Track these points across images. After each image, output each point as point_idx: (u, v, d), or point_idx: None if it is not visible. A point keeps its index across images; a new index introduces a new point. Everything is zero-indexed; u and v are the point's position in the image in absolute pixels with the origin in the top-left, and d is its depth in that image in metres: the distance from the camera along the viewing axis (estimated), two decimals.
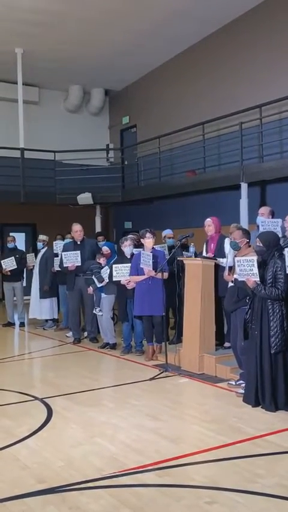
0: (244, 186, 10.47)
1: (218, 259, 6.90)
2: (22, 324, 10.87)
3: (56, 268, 9.70)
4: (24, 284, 11.30)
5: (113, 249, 8.62)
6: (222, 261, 6.83)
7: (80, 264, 8.68)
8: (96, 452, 4.34)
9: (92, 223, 14.47)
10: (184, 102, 13.68)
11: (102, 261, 8.41)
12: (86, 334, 9.25)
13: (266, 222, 6.86)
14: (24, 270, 11.06)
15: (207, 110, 12.40)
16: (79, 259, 8.67)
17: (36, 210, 14.77)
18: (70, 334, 9.38)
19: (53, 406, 5.54)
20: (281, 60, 11.06)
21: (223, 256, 6.91)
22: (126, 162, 15.72)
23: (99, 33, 12.58)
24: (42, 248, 10.44)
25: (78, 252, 8.72)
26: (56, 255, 9.95)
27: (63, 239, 10.87)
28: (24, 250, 11.82)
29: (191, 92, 13.49)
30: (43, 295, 10.25)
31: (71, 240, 9.47)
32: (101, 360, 7.93)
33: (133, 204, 14.81)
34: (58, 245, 10.06)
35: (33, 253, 11.06)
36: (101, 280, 8.11)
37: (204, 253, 7.06)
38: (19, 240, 12.46)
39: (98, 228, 14.49)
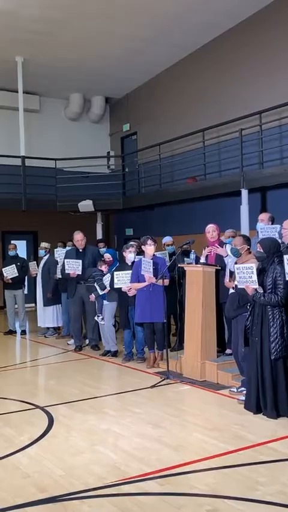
0: (244, 193, 10.48)
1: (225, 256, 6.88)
2: (23, 332, 10.86)
3: (58, 275, 9.70)
4: (26, 292, 11.31)
5: (115, 256, 8.62)
6: (228, 261, 6.79)
7: (80, 273, 8.68)
8: (98, 460, 4.33)
9: (93, 231, 14.50)
10: (184, 109, 13.72)
11: (104, 268, 8.42)
12: (87, 341, 9.24)
13: (265, 228, 6.88)
14: (26, 277, 11.06)
15: (207, 117, 12.44)
16: (80, 268, 8.68)
17: (37, 217, 14.81)
18: (71, 341, 9.37)
19: (54, 415, 5.53)
20: (281, 66, 11.10)
21: (223, 263, 6.92)
22: (127, 169, 15.76)
23: (99, 41, 12.65)
24: (45, 255, 10.44)
25: (80, 261, 8.74)
26: (58, 263, 9.95)
27: (64, 246, 10.89)
28: (25, 258, 11.82)
29: (190, 99, 13.54)
30: (47, 302, 10.25)
31: (73, 247, 9.48)
32: (102, 367, 7.92)
33: (134, 211, 14.84)
34: (59, 252, 10.07)
35: (35, 261, 11.07)
36: (103, 287, 8.12)
37: (202, 259, 7.05)
38: (20, 247, 12.48)
39: (99, 235, 14.51)
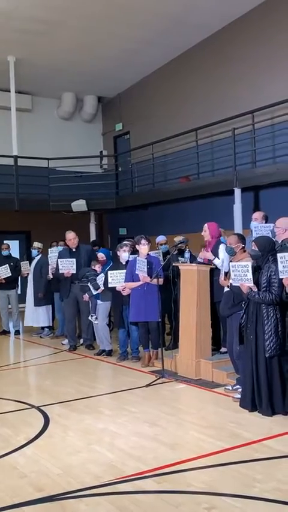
0: (237, 192, 10.52)
1: (214, 261, 6.90)
2: (17, 332, 10.84)
3: (51, 276, 9.68)
4: (19, 292, 11.29)
5: (109, 256, 8.62)
6: (217, 263, 6.83)
7: (75, 272, 8.67)
8: (94, 459, 4.34)
9: (87, 230, 14.49)
10: (177, 108, 13.74)
11: (97, 267, 8.42)
12: (81, 341, 9.23)
13: (258, 227, 6.91)
14: (19, 277, 11.04)
15: (200, 116, 12.46)
16: (74, 266, 8.68)
17: (30, 217, 14.77)
18: (66, 341, 9.36)
19: (50, 414, 5.53)
20: (274, 65, 11.14)
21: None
22: (120, 169, 15.76)
23: (91, 40, 12.64)
24: (37, 255, 10.42)
25: (74, 259, 8.73)
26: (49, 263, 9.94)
27: (58, 246, 10.88)
28: (18, 257, 11.80)
29: (183, 98, 13.56)
30: (38, 302, 10.22)
31: (65, 247, 9.47)
32: (97, 367, 7.92)
33: (127, 211, 14.84)
34: (53, 252, 10.06)
35: (27, 261, 11.04)
36: (96, 287, 8.12)
37: (199, 258, 7.08)
38: (13, 247, 12.45)
39: (93, 235, 14.51)
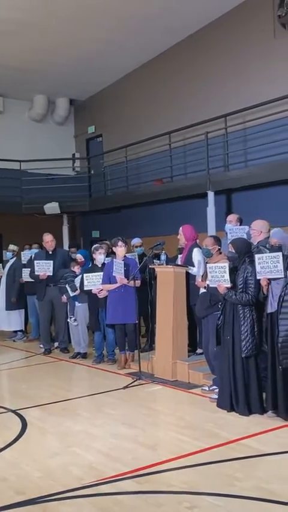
0: (211, 195, 10.62)
1: (189, 266, 6.97)
2: None
3: (25, 278, 9.60)
4: None
5: (87, 257, 8.57)
6: (192, 269, 6.91)
7: (51, 274, 8.63)
8: (74, 462, 4.33)
9: (59, 233, 14.37)
10: (150, 111, 13.79)
11: (76, 269, 8.39)
12: (56, 344, 9.18)
13: (233, 229, 6.99)
14: None
15: (173, 120, 12.54)
16: (51, 268, 8.63)
17: (2, 220, 14.57)
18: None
19: (27, 418, 5.49)
20: (245, 71, 11.30)
21: (191, 265, 7.00)
22: (92, 171, 15.74)
23: (62, 42, 12.58)
24: (11, 258, 10.32)
25: (51, 261, 8.68)
26: (24, 266, 9.85)
27: (31, 249, 10.78)
28: None
29: (156, 101, 13.62)
30: (10, 306, 10.10)
31: (41, 249, 9.41)
32: (73, 370, 7.89)
33: (100, 213, 14.82)
34: (26, 255, 9.98)
35: (0, 264, 10.91)
36: (74, 289, 8.09)
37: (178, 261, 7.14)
38: None
39: (66, 238, 14.43)
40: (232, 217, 7.37)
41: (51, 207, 13.81)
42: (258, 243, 6.05)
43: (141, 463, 4.22)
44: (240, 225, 7.22)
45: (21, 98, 15.66)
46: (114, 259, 7.53)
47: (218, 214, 10.27)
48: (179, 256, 7.39)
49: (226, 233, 7.20)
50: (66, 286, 8.18)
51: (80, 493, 3.75)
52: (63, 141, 16.35)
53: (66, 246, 13.62)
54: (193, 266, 6.97)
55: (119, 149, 13.71)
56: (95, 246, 8.38)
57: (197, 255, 6.94)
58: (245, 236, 6.60)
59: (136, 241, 9.05)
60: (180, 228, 7.47)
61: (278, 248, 5.09)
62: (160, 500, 3.63)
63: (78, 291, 8.05)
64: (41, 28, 11.91)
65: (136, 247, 8.93)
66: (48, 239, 8.94)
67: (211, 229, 10.20)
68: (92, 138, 16.35)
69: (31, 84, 14.75)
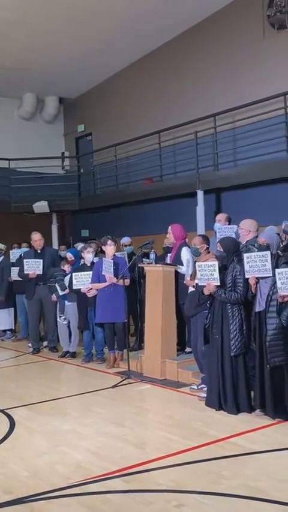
0: (200, 194, 10.64)
1: (178, 265, 6.98)
2: None
3: (14, 277, 9.56)
4: None
5: (77, 256, 8.55)
6: (181, 268, 6.92)
7: (41, 273, 8.60)
8: (62, 461, 4.32)
9: (49, 232, 14.35)
10: (139, 110, 13.80)
11: (66, 267, 8.36)
12: (45, 343, 9.15)
13: (222, 229, 7.01)
14: None
15: (163, 119, 12.55)
16: (41, 267, 8.60)
17: None
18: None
19: (15, 417, 5.47)
20: (235, 70, 11.33)
21: (180, 263, 7.00)
22: (82, 170, 15.70)
23: (52, 41, 12.55)
24: None
25: (41, 260, 8.65)
26: (13, 264, 9.80)
27: (20, 248, 10.74)
28: None
29: (146, 100, 13.63)
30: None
31: (27, 249, 9.37)
32: (62, 369, 7.87)
33: (90, 212, 14.80)
34: (15, 254, 9.93)
35: None
36: (63, 288, 8.07)
37: (166, 260, 7.14)
38: None
39: (55, 236, 14.39)
40: (221, 217, 7.40)
41: (41, 206, 13.76)
42: (246, 242, 6.08)
43: (130, 462, 4.22)
44: (229, 224, 7.25)
45: (10, 96, 15.59)
46: (103, 258, 7.52)
47: (208, 214, 10.30)
48: (168, 255, 7.40)
49: (215, 232, 7.21)
50: (56, 285, 8.16)
51: (67, 492, 3.74)
52: (53, 140, 16.31)
53: (55, 245, 13.60)
54: (182, 265, 6.97)
55: (109, 148, 13.69)
56: (83, 245, 8.35)
57: (185, 253, 6.95)
58: (233, 235, 6.62)
59: (125, 240, 9.05)
60: (170, 226, 7.47)
61: (266, 247, 5.11)
62: (148, 498, 3.63)
63: (67, 290, 8.02)
64: (31, 27, 11.86)
65: (125, 246, 8.93)
66: (36, 238, 8.91)
67: (200, 229, 10.23)
68: (81, 136, 16.33)
69: (20, 82, 14.69)
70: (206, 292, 5.44)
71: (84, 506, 3.53)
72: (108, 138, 14.25)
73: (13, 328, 10.45)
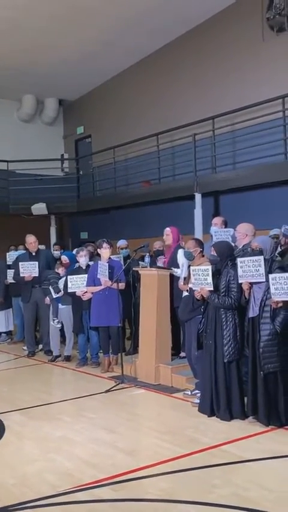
0: (198, 197, 10.58)
1: (173, 268, 6.92)
2: None
3: (10, 280, 9.50)
4: None
5: (72, 259, 8.49)
6: (176, 271, 6.86)
7: (37, 275, 8.54)
8: (51, 468, 4.26)
9: (47, 234, 14.32)
10: (138, 112, 13.75)
11: (61, 270, 8.30)
12: (40, 346, 9.09)
13: (218, 232, 6.96)
14: None
15: (161, 121, 12.50)
16: (36, 270, 8.55)
17: None
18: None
19: (6, 422, 5.41)
20: (233, 73, 11.27)
21: (176, 266, 6.94)
22: (81, 172, 15.66)
23: (52, 42, 12.51)
24: None
25: (36, 262, 8.60)
26: (9, 267, 9.75)
27: (16, 250, 10.69)
28: None
29: (145, 102, 13.58)
30: None
31: (24, 251, 9.32)
32: (56, 373, 7.81)
33: (89, 214, 14.75)
34: (11, 256, 9.88)
35: None
36: (57, 290, 8.01)
37: (158, 263, 7.07)
38: None
39: (54, 239, 14.33)
40: (217, 220, 7.33)
41: (39, 208, 13.72)
42: (243, 246, 6.02)
43: (119, 470, 4.15)
44: (225, 227, 7.19)
45: (10, 98, 15.55)
46: (98, 261, 7.46)
47: (205, 217, 10.22)
48: (160, 258, 7.34)
49: (211, 236, 7.16)
50: (50, 287, 8.10)
51: (54, 500, 3.68)
52: (52, 142, 16.27)
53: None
54: (178, 267, 6.90)
55: (107, 150, 13.64)
56: (77, 249, 8.30)
57: (181, 255, 6.88)
58: (229, 239, 6.57)
59: (121, 243, 8.99)
60: (168, 228, 7.42)
61: (259, 252, 5.04)
62: (135, 508, 3.57)
63: (61, 293, 7.96)
64: (30, 28, 11.82)
65: (122, 249, 8.87)
66: (31, 240, 8.86)
67: (198, 232, 10.17)
68: (80, 138, 16.28)
69: (20, 84, 14.66)
70: (197, 296, 5.37)
71: None
72: (107, 140, 14.21)
73: (11, 330, 10.39)
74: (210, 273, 5.28)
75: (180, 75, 12.61)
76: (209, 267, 5.33)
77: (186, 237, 7.57)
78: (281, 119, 9.69)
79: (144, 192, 12.22)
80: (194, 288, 5.53)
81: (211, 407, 5.28)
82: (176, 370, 6.55)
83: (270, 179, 9.53)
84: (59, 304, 8.11)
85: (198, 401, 5.58)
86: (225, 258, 5.33)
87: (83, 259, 7.88)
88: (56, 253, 9.66)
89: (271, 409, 4.94)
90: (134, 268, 7.32)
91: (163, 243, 7.54)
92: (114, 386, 6.57)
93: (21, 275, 8.66)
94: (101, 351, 7.71)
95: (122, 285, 7.27)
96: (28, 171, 14.26)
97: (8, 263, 9.92)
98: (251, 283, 5.04)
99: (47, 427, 5.25)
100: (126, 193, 12.97)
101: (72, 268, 8.12)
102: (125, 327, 8.47)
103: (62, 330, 8.32)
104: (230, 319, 5.21)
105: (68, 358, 8.17)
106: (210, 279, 5.27)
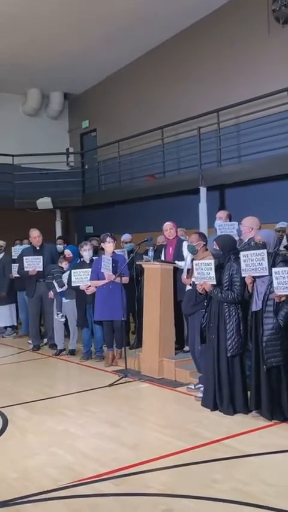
0: (203, 190, 10.53)
1: (177, 262, 6.90)
2: None
3: (15, 274, 9.52)
4: None
5: (76, 253, 8.48)
6: (180, 264, 6.83)
7: (41, 269, 8.55)
8: (53, 462, 4.26)
9: (52, 228, 14.31)
10: (143, 106, 13.69)
11: (64, 265, 8.30)
12: (45, 340, 9.11)
13: (223, 226, 6.93)
14: None
15: (166, 115, 12.43)
16: (41, 264, 8.55)
17: None
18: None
19: (9, 416, 5.41)
20: (238, 66, 11.19)
21: (181, 259, 6.92)
22: (86, 166, 15.63)
23: (56, 36, 12.47)
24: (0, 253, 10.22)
25: (40, 257, 8.61)
26: (14, 261, 9.76)
27: (21, 244, 10.70)
28: None
29: (150, 96, 13.52)
30: (0, 302, 10.03)
31: (29, 245, 9.32)
32: (60, 366, 7.82)
33: (94, 209, 14.73)
34: (17, 250, 9.89)
35: None
36: (61, 284, 8.01)
37: (162, 257, 7.05)
38: None
39: (59, 233, 14.33)
40: (222, 214, 7.29)
41: (44, 202, 13.71)
42: (249, 239, 5.98)
43: (121, 464, 4.15)
44: (229, 221, 7.15)
45: (15, 92, 15.52)
46: (102, 256, 7.45)
47: (210, 210, 10.16)
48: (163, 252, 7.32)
49: (216, 230, 7.12)
50: (54, 281, 8.10)
51: (55, 494, 3.68)
52: (57, 136, 16.23)
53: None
54: (183, 260, 6.88)
55: (112, 144, 13.60)
56: (80, 243, 8.29)
57: (186, 248, 6.85)
58: (234, 232, 6.53)
59: (126, 237, 8.96)
60: (170, 223, 7.39)
61: (262, 245, 5.01)
62: (136, 502, 3.56)
63: (65, 287, 7.96)
64: (35, 22, 11.79)
65: (126, 243, 8.84)
66: (35, 234, 8.86)
67: (203, 226, 10.13)
68: (86, 132, 16.25)
69: (25, 78, 14.62)
70: (199, 290, 5.35)
71: (70, 509, 3.47)
72: (112, 134, 14.17)
73: (15, 324, 10.42)
74: (213, 267, 5.25)
75: (185, 68, 12.54)
76: (212, 261, 5.30)
77: (191, 231, 7.54)
78: (286, 111, 9.60)
79: (149, 186, 12.18)
80: (196, 282, 5.50)
81: (214, 401, 5.27)
82: (180, 364, 6.54)
83: (275, 172, 9.47)
84: (63, 298, 8.11)
85: (201, 395, 5.56)
86: (228, 252, 5.30)
87: (86, 253, 7.86)
88: (60, 247, 9.65)
89: (274, 404, 4.92)
90: (137, 262, 7.30)
91: (165, 237, 7.48)
92: (118, 380, 6.57)
93: (25, 269, 8.67)
94: (105, 345, 7.71)
95: (125, 279, 7.25)
96: (33, 165, 14.24)
97: (13, 257, 9.93)
98: (254, 277, 5.00)
99: (50, 421, 5.26)
100: (131, 187, 12.94)
101: (76, 262, 8.11)
102: (130, 321, 8.46)
103: (66, 324, 8.33)
104: (233, 313, 5.19)
105: (72, 352, 8.18)
106: (213, 273, 5.24)
